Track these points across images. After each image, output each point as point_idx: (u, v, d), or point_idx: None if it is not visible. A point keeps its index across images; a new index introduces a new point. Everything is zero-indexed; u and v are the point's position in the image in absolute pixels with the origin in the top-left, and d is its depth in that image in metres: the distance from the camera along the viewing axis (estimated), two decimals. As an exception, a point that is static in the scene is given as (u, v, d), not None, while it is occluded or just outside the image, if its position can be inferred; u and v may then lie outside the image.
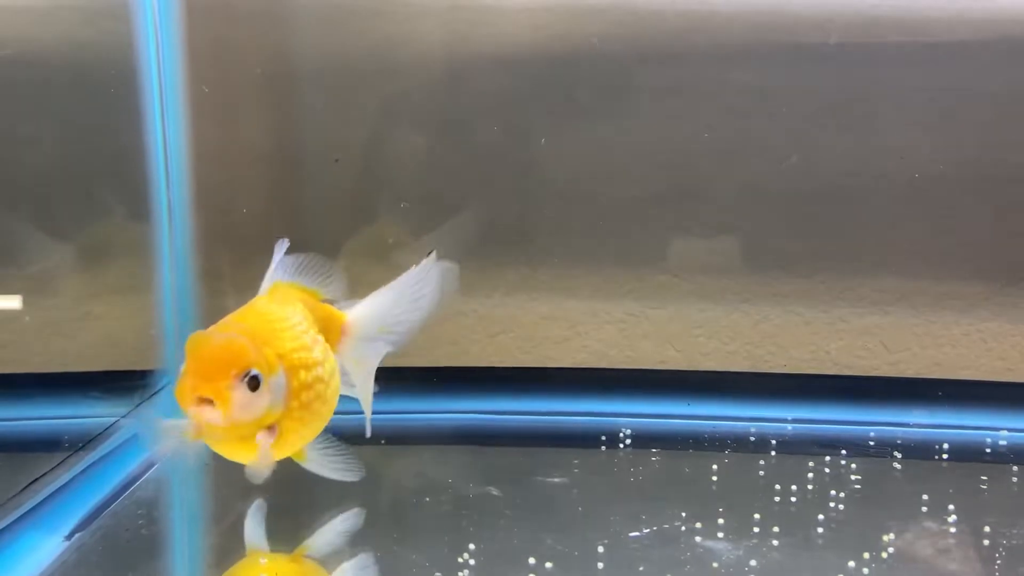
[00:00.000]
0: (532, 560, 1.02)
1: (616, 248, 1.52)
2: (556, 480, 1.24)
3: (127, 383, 1.34)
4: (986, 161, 1.44)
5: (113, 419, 1.27)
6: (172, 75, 1.41)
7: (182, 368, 0.84)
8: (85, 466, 1.19)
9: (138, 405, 1.33)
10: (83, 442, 1.21)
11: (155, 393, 1.38)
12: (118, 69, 1.34)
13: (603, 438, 1.40)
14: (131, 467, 1.24)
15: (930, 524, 1.12)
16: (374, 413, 1.05)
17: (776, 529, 1.11)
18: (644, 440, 1.41)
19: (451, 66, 1.47)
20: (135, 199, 1.38)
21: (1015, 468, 1.34)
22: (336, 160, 1.48)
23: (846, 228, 1.48)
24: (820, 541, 1.09)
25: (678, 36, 1.43)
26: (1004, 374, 1.51)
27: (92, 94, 1.30)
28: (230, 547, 1.10)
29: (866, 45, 1.42)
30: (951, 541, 1.08)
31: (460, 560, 1.02)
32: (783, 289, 1.52)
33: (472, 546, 1.05)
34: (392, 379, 1.47)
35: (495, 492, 1.20)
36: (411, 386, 1.46)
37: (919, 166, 1.45)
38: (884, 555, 1.05)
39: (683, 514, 1.13)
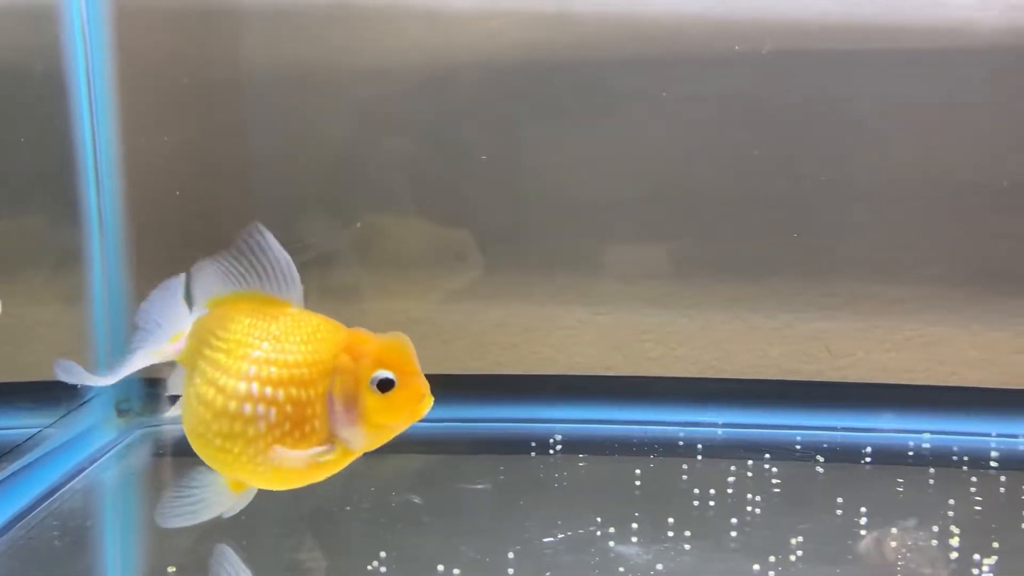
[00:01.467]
0: (441, 567, 1.03)
1: (567, 255, 1.52)
2: (479, 487, 1.25)
3: (55, 393, 1.34)
4: (931, 168, 1.46)
5: (37, 429, 1.28)
6: (102, 81, 1.41)
7: (401, 370, 0.84)
8: (4, 476, 1.19)
9: (63, 416, 1.33)
10: (3, 452, 1.21)
11: (83, 404, 1.38)
12: (45, 74, 1.33)
13: (533, 444, 1.41)
14: (54, 478, 1.24)
15: (841, 527, 1.14)
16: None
17: (687, 533, 1.12)
18: (574, 446, 1.41)
19: (399, 74, 1.47)
20: (64, 207, 1.38)
21: (931, 470, 1.35)
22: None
23: (793, 234, 1.49)
24: (732, 545, 1.10)
25: (624, 44, 1.44)
26: (948, 378, 1.52)
27: (18, 100, 1.30)
28: (145, 560, 1.10)
29: (813, 52, 1.43)
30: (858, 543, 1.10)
31: (369, 568, 1.03)
32: (730, 294, 1.53)
33: (383, 553, 1.05)
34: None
35: (416, 500, 1.20)
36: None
37: (865, 173, 1.46)
38: (792, 558, 1.06)
39: (598, 519, 1.14)
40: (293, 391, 0.84)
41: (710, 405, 1.52)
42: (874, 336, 1.52)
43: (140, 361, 0.89)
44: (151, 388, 1.47)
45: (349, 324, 0.86)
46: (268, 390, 0.84)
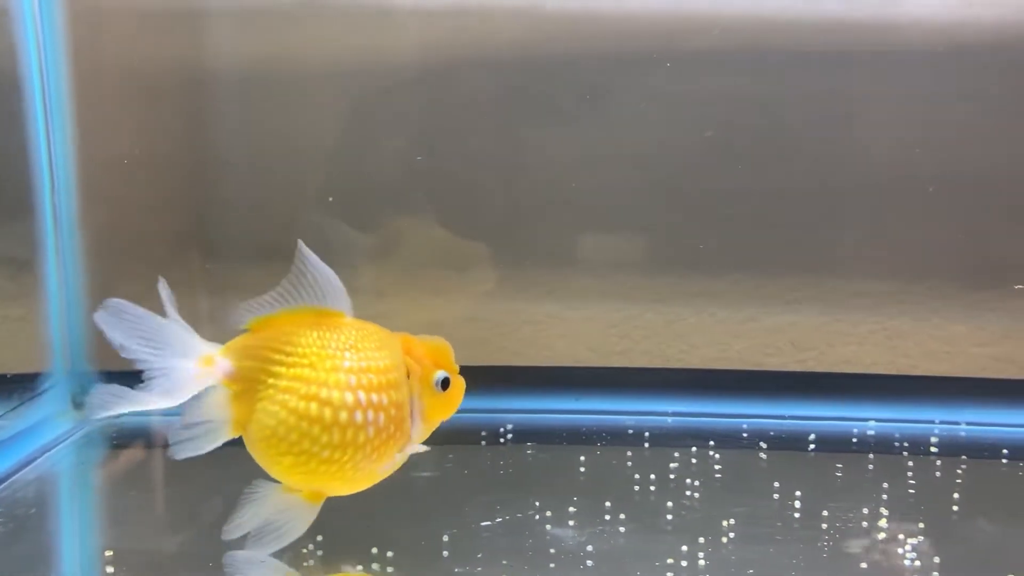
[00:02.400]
0: (375, 550, 1.04)
1: (537, 250, 1.54)
2: (425, 475, 1.27)
3: (8, 385, 1.36)
4: (892, 163, 1.47)
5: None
6: (57, 81, 1.43)
7: (450, 370, 0.97)
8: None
9: (15, 407, 1.35)
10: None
11: (37, 396, 1.40)
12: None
13: (483, 434, 1.42)
14: (4, 467, 1.26)
15: (772, 511, 1.15)
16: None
17: (622, 516, 1.14)
18: (524, 435, 1.43)
19: (351, 71, 1.48)
20: (20, 206, 1.40)
21: (871, 456, 1.37)
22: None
23: (757, 229, 1.51)
24: (667, 527, 1.12)
25: (587, 41, 1.45)
26: (908, 371, 1.54)
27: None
28: (87, 550, 1.12)
29: (767, 50, 1.45)
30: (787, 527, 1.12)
31: (304, 551, 1.04)
32: (695, 289, 1.55)
33: (320, 537, 1.07)
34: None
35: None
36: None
37: (828, 168, 1.47)
38: (724, 540, 1.08)
39: (536, 503, 1.16)
40: (393, 395, 0.90)
41: (658, 395, 1.53)
42: (837, 330, 1.54)
43: (158, 399, 0.88)
44: (109, 381, 1.49)
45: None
46: (374, 397, 0.89)
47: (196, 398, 0.88)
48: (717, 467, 1.30)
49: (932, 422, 1.46)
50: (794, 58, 1.45)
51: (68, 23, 1.43)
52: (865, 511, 1.14)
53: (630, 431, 1.45)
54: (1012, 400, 1.49)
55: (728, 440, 1.40)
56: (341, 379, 0.87)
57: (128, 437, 1.41)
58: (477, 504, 1.17)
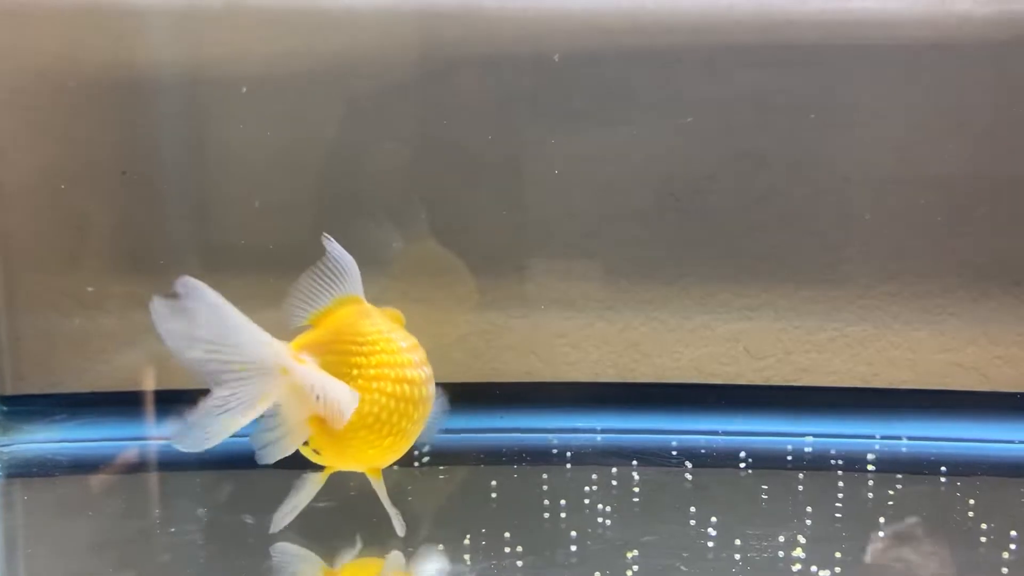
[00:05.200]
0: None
1: (479, 257, 1.47)
2: (320, 505, 1.19)
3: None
4: (844, 165, 1.42)
5: None
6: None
7: None
8: None
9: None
10: None
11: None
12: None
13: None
14: None
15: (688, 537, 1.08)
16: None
17: (519, 548, 1.06)
18: (441, 458, 1.35)
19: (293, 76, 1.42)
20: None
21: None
22: (123, 172, 1.44)
23: (707, 234, 1.45)
24: (567, 559, 1.04)
25: (532, 41, 1.40)
26: (871, 380, 1.48)
27: None
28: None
29: (717, 49, 1.39)
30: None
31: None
32: (646, 296, 1.49)
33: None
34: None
35: (249, 520, 1.14)
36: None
37: (780, 172, 1.42)
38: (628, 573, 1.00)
39: (425, 533, 1.09)
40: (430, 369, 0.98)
41: (583, 410, 1.47)
42: (794, 337, 1.48)
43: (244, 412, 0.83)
44: (10, 405, 1.43)
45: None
46: (426, 369, 0.97)
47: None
48: (635, 489, 1.22)
49: (872, 437, 1.38)
50: (746, 58, 1.39)
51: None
52: (781, 539, 1.06)
53: (554, 450, 1.37)
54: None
55: (653, 456, 1.33)
56: (410, 359, 0.94)
57: (20, 467, 1.34)
58: (363, 536, 1.09)
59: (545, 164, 1.44)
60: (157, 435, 1.40)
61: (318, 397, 0.84)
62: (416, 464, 1.33)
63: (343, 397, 0.86)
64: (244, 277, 1.45)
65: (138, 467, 1.35)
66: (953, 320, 1.46)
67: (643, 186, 1.44)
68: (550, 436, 1.41)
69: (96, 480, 1.29)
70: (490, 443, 1.41)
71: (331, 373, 0.88)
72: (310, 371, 0.86)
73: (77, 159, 1.43)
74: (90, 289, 1.45)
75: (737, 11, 1.39)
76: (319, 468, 0.97)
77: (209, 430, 0.79)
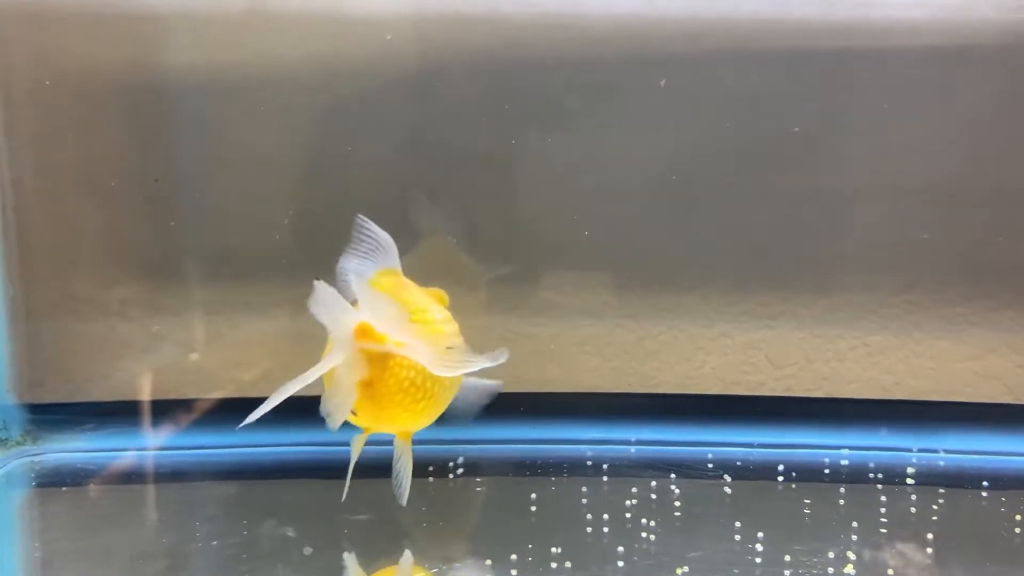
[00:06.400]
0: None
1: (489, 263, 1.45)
2: (360, 518, 1.18)
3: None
4: (867, 174, 1.41)
5: None
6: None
7: None
8: None
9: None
10: None
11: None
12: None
13: (430, 468, 1.33)
14: None
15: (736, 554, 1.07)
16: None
17: (568, 564, 1.05)
18: (476, 468, 1.34)
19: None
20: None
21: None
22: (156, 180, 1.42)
23: (727, 241, 1.44)
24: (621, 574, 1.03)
25: (550, 46, 1.38)
26: (893, 389, 1.47)
27: None
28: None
29: (738, 54, 1.38)
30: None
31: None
32: (666, 304, 1.47)
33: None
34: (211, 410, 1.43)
35: (291, 533, 1.13)
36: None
37: (798, 179, 1.41)
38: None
39: (470, 546, 1.08)
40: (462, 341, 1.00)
41: (627, 421, 1.45)
42: (815, 346, 1.47)
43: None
44: (32, 414, 1.41)
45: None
46: (460, 339, 1.00)
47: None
48: (677, 503, 1.21)
49: (910, 450, 1.37)
50: (767, 64, 1.38)
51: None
52: (831, 555, 1.06)
53: (588, 462, 1.36)
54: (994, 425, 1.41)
55: (692, 469, 1.32)
56: (444, 330, 0.97)
57: (51, 476, 1.32)
58: (408, 548, 1.08)
59: (561, 171, 1.42)
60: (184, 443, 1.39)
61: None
62: (451, 476, 1.32)
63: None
64: (267, 283, 1.44)
65: (166, 477, 1.33)
66: (974, 329, 1.46)
67: (661, 193, 1.43)
68: (583, 447, 1.40)
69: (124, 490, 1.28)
70: (523, 454, 1.39)
71: (380, 341, 0.93)
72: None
73: (98, 163, 1.41)
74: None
75: (762, 15, 1.38)
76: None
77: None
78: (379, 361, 0.93)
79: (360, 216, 0.99)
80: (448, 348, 0.94)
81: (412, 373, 0.94)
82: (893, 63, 1.37)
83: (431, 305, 1.00)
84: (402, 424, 1.01)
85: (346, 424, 0.95)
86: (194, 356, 1.45)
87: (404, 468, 1.04)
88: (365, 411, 0.96)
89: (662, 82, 1.39)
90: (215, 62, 1.40)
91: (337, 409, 0.91)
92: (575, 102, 1.40)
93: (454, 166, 1.42)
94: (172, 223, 1.42)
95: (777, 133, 1.40)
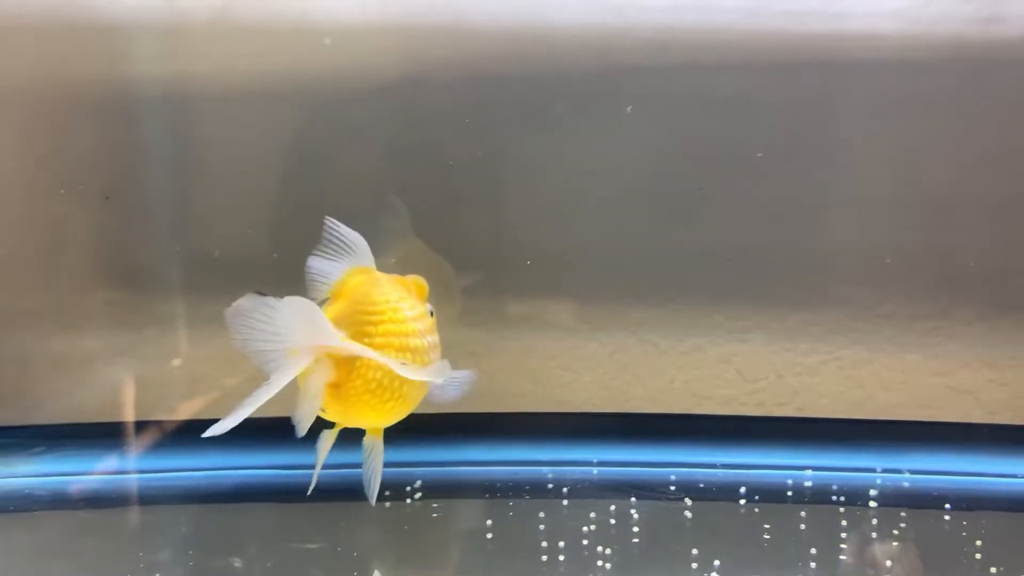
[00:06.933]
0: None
1: (468, 277, 1.43)
2: (311, 546, 1.15)
3: None
4: (840, 186, 1.40)
5: None
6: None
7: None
8: None
9: None
10: None
11: None
12: None
13: (387, 493, 1.31)
14: None
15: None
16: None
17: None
18: (434, 492, 1.32)
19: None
20: None
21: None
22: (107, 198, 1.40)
23: (697, 255, 1.43)
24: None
25: (518, 59, 1.37)
26: (864, 403, 1.47)
27: None
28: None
29: (707, 66, 1.37)
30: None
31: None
32: (637, 317, 1.46)
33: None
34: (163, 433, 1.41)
35: (236, 563, 1.11)
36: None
37: (769, 191, 1.40)
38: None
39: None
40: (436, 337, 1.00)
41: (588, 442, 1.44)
42: (787, 360, 1.47)
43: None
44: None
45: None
46: (430, 338, 0.98)
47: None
48: (635, 528, 1.19)
49: (873, 470, 1.36)
50: (737, 77, 1.37)
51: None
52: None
53: (549, 485, 1.34)
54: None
55: (656, 491, 1.30)
56: (415, 328, 0.96)
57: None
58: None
59: (534, 183, 1.41)
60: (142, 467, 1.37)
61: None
62: (408, 500, 1.30)
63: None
64: (233, 296, 1.42)
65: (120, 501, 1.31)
66: (947, 343, 1.45)
67: (634, 206, 1.42)
68: (546, 469, 1.38)
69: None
70: (484, 476, 1.37)
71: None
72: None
73: (56, 175, 1.39)
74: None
75: (734, 27, 1.37)
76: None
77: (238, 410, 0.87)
78: (345, 363, 0.93)
79: (328, 218, 0.97)
80: (403, 364, 0.92)
81: (379, 374, 0.93)
82: (867, 75, 1.37)
83: (403, 301, 0.99)
84: (372, 422, 1.01)
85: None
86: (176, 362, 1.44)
87: (374, 465, 1.03)
88: (333, 411, 0.96)
89: (628, 109, 1.38)
90: (177, 73, 1.39)
91: (303, 416, 0.90)
92: (543, 113, 1.40)
93: (421, 178, 1.41)
94: (133, 235, 1.41)
95: (750, 145, 1.39)
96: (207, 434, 0.85)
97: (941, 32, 1.36)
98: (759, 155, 1.40)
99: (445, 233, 1.42)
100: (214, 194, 1.43)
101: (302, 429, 0.89)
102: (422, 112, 1.39)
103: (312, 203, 1.40)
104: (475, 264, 1.44)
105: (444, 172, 1.40)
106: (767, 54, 1.36)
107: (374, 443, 1.03)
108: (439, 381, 0.98)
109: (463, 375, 1.02)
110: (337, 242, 0.97)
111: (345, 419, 0.98)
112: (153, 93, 1.40)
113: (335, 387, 0.93)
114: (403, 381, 0.95)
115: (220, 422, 0.86)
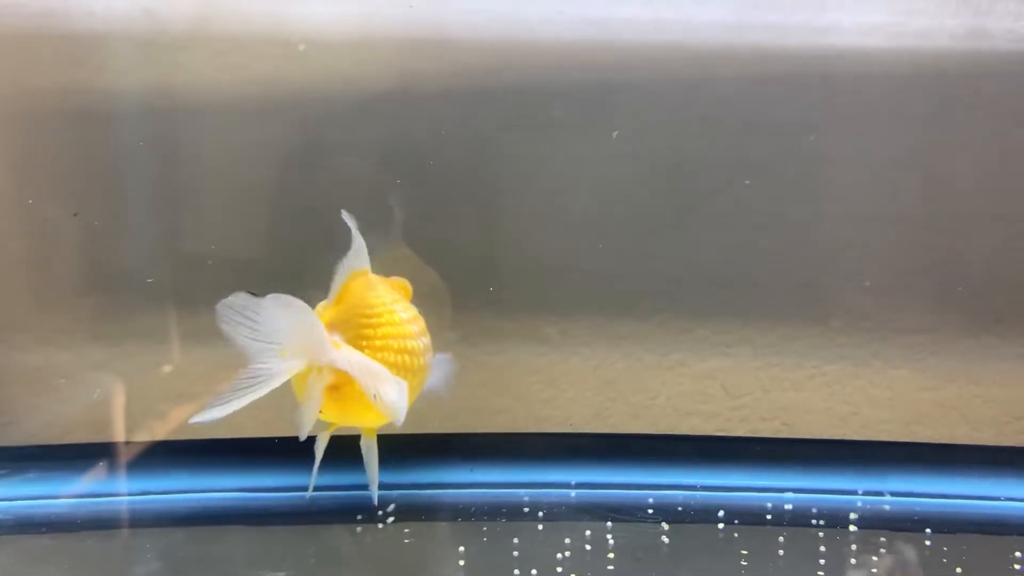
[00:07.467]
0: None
1: (449, 291, 1.41)
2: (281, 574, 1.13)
3: None
4: (824, 200, 1.40)
5: None
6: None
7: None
8: None
9: None
10: None
11: None
12: None
13: (359, 516, 1.29)
14: None
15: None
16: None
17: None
18: (409, 514, 1.30)
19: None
20: None
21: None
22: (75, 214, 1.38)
23: (683, 268, 1.42)
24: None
25: (502, 72, 1.36)
26: (850, 419, 1.45)
27: None
28: None
29: (693, 82, 1.36)
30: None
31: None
32: (621, 331, 1.45)
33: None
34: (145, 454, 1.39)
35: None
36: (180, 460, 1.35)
37: (755, 205, 1.39)
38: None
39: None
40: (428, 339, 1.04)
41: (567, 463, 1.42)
42: (772, 375, 1.45)
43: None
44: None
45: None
46: (425, 340, 1.02)
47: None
48: (611, 555, 1.17)
49: (855, 492, 1.34)
50: (719, 91, 1.36)
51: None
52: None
53: (525, 508, 1.32)
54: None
55: (631, 514, 1.28)
56: (410, 330, 0.99)
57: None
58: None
59: (516, 196, 1.40)
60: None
61: (375, 396, 0.93)
62: (381, 525, 1.28)
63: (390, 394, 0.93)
64: (209, 312, 1.40)
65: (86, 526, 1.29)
66: (933, 359, 1.44)
67: (618, 219, 1.40)
68: (523, 492, 1.36)
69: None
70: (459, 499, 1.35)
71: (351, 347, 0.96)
72: (362, 362, 0.94)
73: (29, 187, 1.37)
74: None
75: (715, 41, 1.36)
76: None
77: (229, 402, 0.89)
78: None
79: (344, 212, 1.01)
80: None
81: (397, 372, 0.96)
82: (847, 90, 1.36)
83: (397, 303, 1.01)
84: (369, 423, 1.02)
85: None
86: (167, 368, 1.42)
87: (371, 465, 1.05)
88: (331, 412, 0.97)
89: (615, 134, 1.37)
90: (152, 85, 1.37)
91: (304, 419, 0.92)
92: (524, 128, 1.38)
93: (401, 190, 1.39)
94: (107, 250, 1.39)
95: (733, 160, 1.38)
96: (193, 420, 0.87)
97: (925, 47, 1.36)
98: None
99: (426, 245, 1.39)
100: (193, 205, 1.41)
101: (303, 432, 0.91)
102: (405, 124, 1.37)
103: (290, 214, 1.39)
104: (456, 276, 1.42)
105: (425, 184, 1.39)
106: (750, 68, 1.36)
107: (370, 444, 1.06)
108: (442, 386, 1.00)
109: (441, 357, 1.07)
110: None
111: (342, 420, 1.00)
112: (129, 104, 1.38)
113: (334, 389, 0.94)
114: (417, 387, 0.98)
115: (209, 410, 0.86)
